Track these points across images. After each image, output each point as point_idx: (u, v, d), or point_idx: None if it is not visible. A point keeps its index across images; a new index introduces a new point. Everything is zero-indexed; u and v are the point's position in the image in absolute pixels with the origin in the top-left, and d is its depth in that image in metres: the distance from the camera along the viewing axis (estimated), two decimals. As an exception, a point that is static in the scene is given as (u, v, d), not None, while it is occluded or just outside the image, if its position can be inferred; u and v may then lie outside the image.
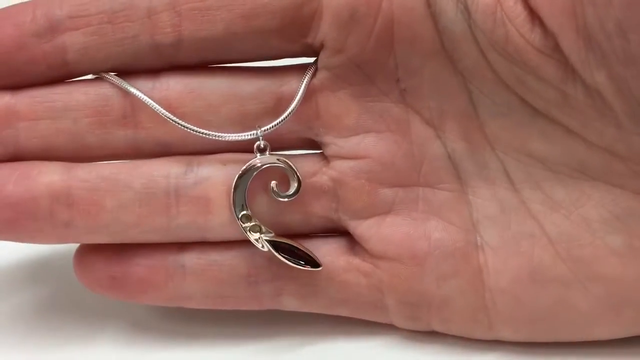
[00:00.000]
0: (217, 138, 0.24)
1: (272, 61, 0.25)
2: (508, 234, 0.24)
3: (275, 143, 0.25)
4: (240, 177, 0.24)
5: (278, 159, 0.24)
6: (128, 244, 0.25)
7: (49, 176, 0.24)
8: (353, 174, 0.25)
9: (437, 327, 0.25)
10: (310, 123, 0.25)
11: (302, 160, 0.25)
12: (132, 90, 0.24)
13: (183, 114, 0.24)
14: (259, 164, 0.24)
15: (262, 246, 0.24)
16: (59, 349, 0.26)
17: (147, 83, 0.24)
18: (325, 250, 0.25)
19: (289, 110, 0.24)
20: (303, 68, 0.25)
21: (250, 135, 0.24)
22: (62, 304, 0.28)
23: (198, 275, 0.25)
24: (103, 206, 0.24)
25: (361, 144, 0.25)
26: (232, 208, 0.24)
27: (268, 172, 0.24)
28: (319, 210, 0.25)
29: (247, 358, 0.26)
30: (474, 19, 0.23)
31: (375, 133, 0.25)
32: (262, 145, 0.24)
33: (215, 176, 0.24)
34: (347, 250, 0.25)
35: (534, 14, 0.22)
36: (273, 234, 0.25)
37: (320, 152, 0.26)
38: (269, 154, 0.25)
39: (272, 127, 0.24)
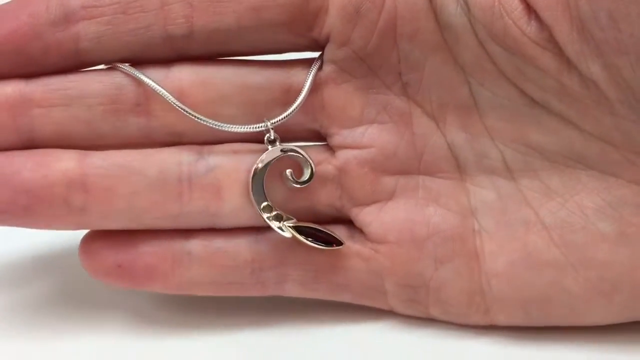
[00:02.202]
0: (226, 129, 0.25)
1: (280, 55, 0.26)
2: (504, 220, 0.25)
3: (282, 134, 0.25)
4: (257, 167, 0.25)
5: (292, 148, 0.25)
6: (134, 232, 0.25)
7: (65, 163, 0.24)
8: (357, 163, 0.26)
9: (435, 312, 0.26)
10: (316, 114, 0.26)
11: (308, 151, 0.26)
12: (145, 79, 0.24)
13: (194, 104, 0.25)
14: (277, 154, 0.25)
15: (286, 232, 0.25)
16: (67, 337, 0.26)
17: (159, 73, 0.25)
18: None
19: (298, 102, 0.25)
20: (309, 61, 0.26)
21: (260, 127, 0.25)
22: (71, 293, 0.28)
23: (204, 262, 0.25)
24: (117, 192, 0.24)
25: (365, 134, 0.26)
26: (252, 198, 0.25)
27: (279, 162, 0.25)
28: (324, 198, 0.26)
29: (247, 346, 0.26)
30: (474, 13, 0.24)
31: (379, 124, 0.26)
32: (272, 137, 0.25)
33: (227, 164, 0.25)
34: (347, 237, 0.26)
35: (529, 7, 0.23)
36: (295, 220, 0.25)
37: (326, 143, 0.26)
38: (279, 144, 0.25)
39: (281, 119, 0.25)
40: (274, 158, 0.25)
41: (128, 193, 0.24)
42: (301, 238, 0.25)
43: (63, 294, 0.28)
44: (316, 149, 0.26)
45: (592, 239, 0.25)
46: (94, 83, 0.24)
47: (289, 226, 0.25)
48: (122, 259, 0.25)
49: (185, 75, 0.25)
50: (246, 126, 0.25)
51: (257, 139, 0.25)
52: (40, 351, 0.26)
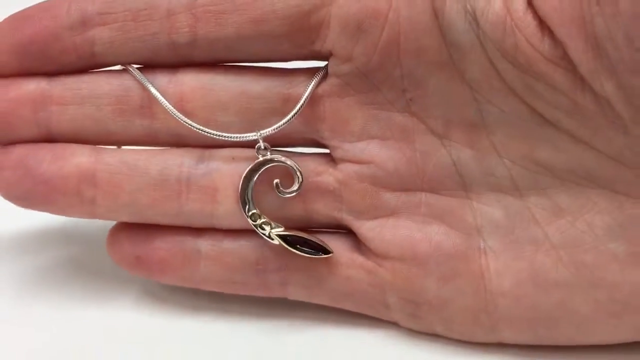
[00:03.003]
0: (219, 137, 0.25)
1: (285, 63, 0.26)
2: (511, 238, 0.25)
3: (283, 140, 0.26)
4: (246, 176, 0.25)
5: (280, 160, 0.25)
6: (152, 227, 0.26)
7: (78, 158, 0.26)
8: (357, 178, 0.26)
9: (439, 329, 0.26)
10: (317, 126, 0.26)
11: (309, 160, 0.26)
12: (148, 85, 0.25)
13: (194, 108, 0.26)
14: (264, 164, 0.25)
15: (274, 240, 0.25)
16: (84, 305, 0.28)
17: (164, 77, 0.26)
18: (331, 246, 0.26)
19: (290, 115, 0.25)
20: (313, 71, 0.26)
21: (251, 137, 0.25)
22: (91, 265, 0.30)
23: (212, 260, 0.26)
24: (122, 188, 0.26)
25: (365, 150, 0.25)
26: (240, 206, 0.25)
27: (272, 170, 0.26)
28: (322, 208, 0.26)
29: (249, 335, 0.27)
30: (483, 29, 0.23)
31: (380, 140, 0.25)
32: (262, 147, 0.25)
33: (224, 169, 0.26)
34: (352, 247, 0.26)
35: (543, 24, 0.22)
36: (282, 228, 0.25)
37: (328, 153, 0.26)
38: (270, 153, 0.25)
39: (271, 130, 0.25)
40: (263, 167, 0.25)
41: (132, 190, 0.26)
42: (286, 246, 0.25)
43: (87, 265, 0.30)
44: (318, 158, 0.26)
45: (602, 259, 0.24)
46: (104, 84, 0.26)
47: (277, 234, 0.25)
48: (140, 251, 0.26)
49: (187, 80, 0.26)
50: (238, 135, 0.25)
51: (256, 144, 0.26)
52: (53, 320, 0.27)
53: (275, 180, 0.25)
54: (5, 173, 0.25)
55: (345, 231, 0.27)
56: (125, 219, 0.26)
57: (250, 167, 0.25)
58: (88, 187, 0.25)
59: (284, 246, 0.25)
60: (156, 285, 0.28)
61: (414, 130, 0.25)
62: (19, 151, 0.26)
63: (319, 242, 0.26)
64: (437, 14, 0.23)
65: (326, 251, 0.26)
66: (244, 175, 0.25)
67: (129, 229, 0.27)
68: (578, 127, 0.23)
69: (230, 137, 0.25)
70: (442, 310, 0.25)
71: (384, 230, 0.26)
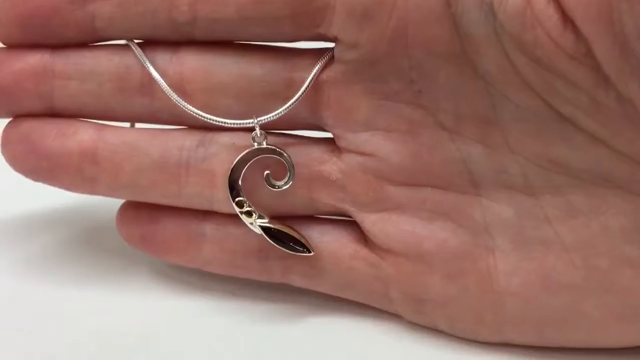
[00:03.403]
0: (215, 123, 0.25)
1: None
2: (521, 238, 0.24)
3: (286, 124, 0.25)
4: (235, 166, 0.25)
5: (273, 150, 0.25)
6: (158, 207, 0.26)
7: (81, 135, 0.25)
8: (361, 169, 0.25)
9: (442, 326, 0.25)
10: (320, 112, 0.25)
11: (314, 147, 0.25)
12: (148, 66, 0.25)
13: (194, 90, 0.25)
14: (256, 154, 0.25)
15: (256, 229, 0.25)
16: (97, 281, 0.28)
17: (165, 55, 0.25)
18: (335, 236, 0.26)
19: (289, 103, 0.24)
20: (320, 54, 0.25)
21: (248, 123, 0.25)
22: (105, 243, 0.30)
23: (216, 244, 0.26)
24: (122, 168, 0.25)
25: (369, 141, 0.24)
26: (227, 192, 0.25)
27: (267, 158, 0.25)
28: (326, 197, 0.25)
29: (256, 320, 0.27)
30: (501, 21, 0.21)
31: (384, 132, 0.24)
32: (258, 134, 0.25)
33: (223, 154, 0.25)
34: (357, 238, 0.26)
35: (566, 18, 0.20)
36: (267, 220, 0.25)
37: (333, 141, 0.25)
38: (266, 142, 0.25)
39: (269, 118, 0.24)
40: (254, 157, 0.25)
41: (132, 170, 0.25)
42: (267, 238, 0.25)
43: (92, 245, 0.30)
44: (322, 146, 0.26)
45: (616, 263, 0.23)
46: (105, 61, 0.25)
47: (260, 225, 0.25)
48: (145, 231, 0.26)
49: (188, 60, 0.25)
50: (234, 122, 0.25)
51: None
52: (63, 299, 0.27)
53: (266, 172, 0.25)
54: (12, 147, 0.26)
55: (351, 219, 0.26)
56: (128, 198, 0.26)
57: (240, 156, 0.25)
58: (89, 166, 0.25)
59: (264, 237, 0.25)
60: (163, 264, 0.28)
61: (421, 123, 0.24)
62: (25, 125, 0.26)
63: (300, 239, 0.25)
64: (449, 3, 0.22)
65: (308, 250, 0.25)
66: (233, 164, 0.25)
67: (136, 207, 0.27)
68: (597, 126, 0.22)
69: (226, 123, 0.25)
70: (446, 308, 0.25)
71: (388, 224, 0.25)
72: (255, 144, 0.25)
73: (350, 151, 0.25)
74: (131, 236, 0.27)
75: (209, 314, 0.26)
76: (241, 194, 0.25)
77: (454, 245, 0.24)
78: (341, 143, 0.25)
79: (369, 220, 0.25)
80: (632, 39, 0.20)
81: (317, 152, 0.25)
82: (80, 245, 0.30)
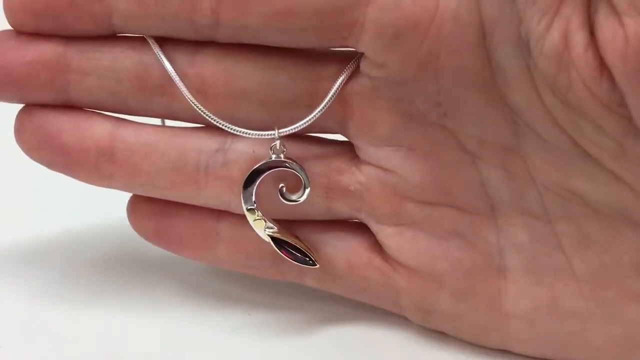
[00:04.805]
0: (235, 132, 0.24)
1: None
2: (533, 263, 0.24)
3: (306, 129, 0.24)
4: (249, 176, 0.24)
5: (289, 164, 0.24)
6: (172, 202, 0.26)
7: (98, 131, 0.25)
8: (380, 183, 0.24)
9: (449, 333, 0.26)
10: (342, 123, 0.24)
11: (334, 156, 0.25)
12: (169, 68, 0.24)
13: (215, 95, 0.24)
14: (272, 167, 0.24)
15: (266, 238, 0.25)
16: (111, 303, 0.28)
17: (186, 56, 0.24)
18: (350, 243, 0.26)
19: (311, 116, 0.24)
20: (345, 61, 0.24)
21: (268, 135, 0.24)
22: (129, 256, 0.30)
23: (230, 244, 0.26)
24: (140, 168, 0.25)
25: (390, 157, 0.24)
26: (241, 200, 0.25)
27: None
28: (343, 207, 0.25)
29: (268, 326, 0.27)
30: (536, 60, 0.20)
31: (406, 149, 0.24)
32: (277, 146, 0.24)
33: (242, 160, 0.25)
34: (371, 246, 0.26)
35: (603, 66, 0.20)
36: (275, 229, 0.25)
37: (352, 149, 0.25)
38: (284, 155, 0.24)
39: (290, 130, 0.24)
40: (269, 170, 0.24)
41: (150, 171, 0.25)
42: (275, 247, 0.25)
43: (118, 258, 0.30)
44: (342, 156, 0.25)
45: (623, 295, 0.23)
46: (124, 58, 0.24)
47: (268, 234, 0.25)
48: (159, 225, 0.26)
49: (209, 63, 0.24)
50: (254, 132, 0.24)
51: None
52: (90, 315, 0.27)
53: (281, 185, 0.25)
54: (26, 135, 0.25)
55: (365, 228, 0.26)
56: (145, 194, 0.26)
57: (255, 167, 0.24)
58: (107, 164, 0.25)
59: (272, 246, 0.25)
60: (194, 271, 0.29)
61: (444, 144, 0.23)
62: (40, 114, 0.25)
63: (306, 252, 0.25)
64: (484, 34, 0.21)
65: (312, 263, 0.25)
66: (247, 175, 0.24)
67: (149, 201, 0.26)
68: (621, 169, 0.21)
69: (247, 133, 0.24)
70: (454, 322, 0.25)
71: (403, 239, 0.25)
72: (274, 155, 0.24)
73: (370, 164, 0.24)
74: (145, 230, 0.26)
75: (226, 332, 0.26)
76: (253, 202, 0.25)
77: (467, 265, 0.24)
78: (362, 155, 0.25)
79: (385, 233, 0.25)
80: None
81: (336, 161, 0.25)
82: (95, 267, 0.29)
